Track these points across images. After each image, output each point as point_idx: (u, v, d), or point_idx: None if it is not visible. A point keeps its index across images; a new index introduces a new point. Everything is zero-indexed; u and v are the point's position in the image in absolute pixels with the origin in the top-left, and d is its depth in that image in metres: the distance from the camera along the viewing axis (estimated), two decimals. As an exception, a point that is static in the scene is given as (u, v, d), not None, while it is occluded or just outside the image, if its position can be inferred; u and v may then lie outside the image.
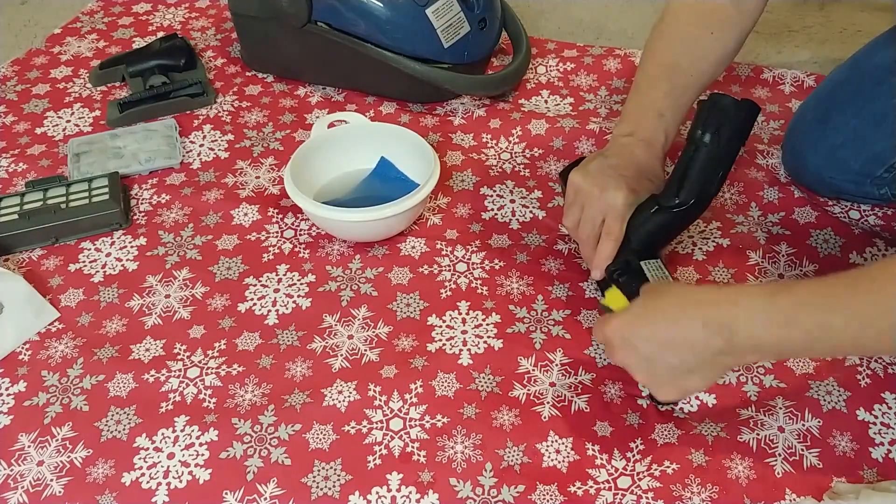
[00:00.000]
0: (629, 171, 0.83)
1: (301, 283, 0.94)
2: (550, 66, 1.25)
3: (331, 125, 1.05)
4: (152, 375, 0.85)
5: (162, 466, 0.77)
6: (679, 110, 0.88)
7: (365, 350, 0.87)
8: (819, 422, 0.79)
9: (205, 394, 0.83)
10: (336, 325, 0.89)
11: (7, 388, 0.84)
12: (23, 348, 0.88)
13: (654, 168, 0.85)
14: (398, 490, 0.75)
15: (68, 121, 1.18)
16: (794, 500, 0.73)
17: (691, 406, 0.80)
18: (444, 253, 0.97)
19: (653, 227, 0.82)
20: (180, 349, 0.88)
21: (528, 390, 0.82)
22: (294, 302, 0.92)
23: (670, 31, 0.90)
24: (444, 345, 0.87)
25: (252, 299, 0.93)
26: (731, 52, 0.90)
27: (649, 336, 0.68)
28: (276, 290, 0.93)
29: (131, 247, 0.99)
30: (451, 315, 0.90)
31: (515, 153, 1.10)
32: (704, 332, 0.65)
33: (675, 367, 0.68)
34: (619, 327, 0.71)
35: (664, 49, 0.89)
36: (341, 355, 0.86)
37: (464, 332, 0.88)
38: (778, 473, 0.75)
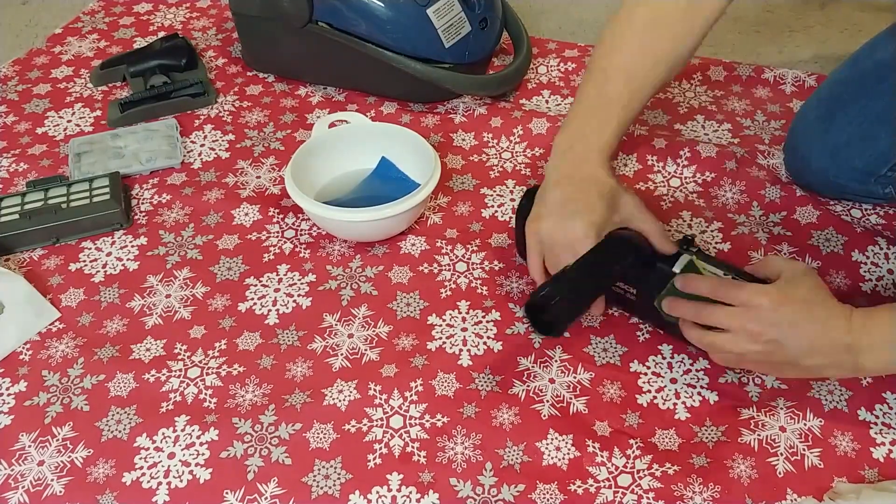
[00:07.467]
0: (581, 204, 0.81)
1: (301, 283, 0.94)
2: (551, 66, 1.25)
3: (332, 125, 1.05)
4: (153, 375, 0.85)
5: (162, 466, 0.77)
6: (629, 120, 0.87)
7: (365, 349, 0.87)
8: (821, 421, 0.78)
9: (205, 394, 0.83)
10: (336, 324, 0.89)
11: (7, 388, 0.84)
12: (23, 348, 0.88)
13: (600, 178, 0.83)
14: (398, 490, 0.75)
15: (69, 121, 1.19)
16: (796, 499, 0.73)
17: (693, 401, 0.80)
18: (444, 252, 0.97)
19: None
20: (181, 349, 0.88)
21: (528, 386, 0.82)
22: (294, 301, 0.92)
23: (626, 36, 0.88)
24: (443, 344, 0.87)
25: (252, 299, 0.93)
26: (688, 56, 0.89)
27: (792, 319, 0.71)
28: (277, 290, 0.93)
29: (132, 247, 0.99)
30: (450, 314, 0.90)
31: (516, 153, 1.10)
32: (843, 351, 0.70)
33: (801, 349, 0.71)
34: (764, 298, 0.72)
35: (620, 54, 0.88)
36: (341, 354, 0.86)
37: (464, 330, 0.88)
38: (779, 473, 0.75)
